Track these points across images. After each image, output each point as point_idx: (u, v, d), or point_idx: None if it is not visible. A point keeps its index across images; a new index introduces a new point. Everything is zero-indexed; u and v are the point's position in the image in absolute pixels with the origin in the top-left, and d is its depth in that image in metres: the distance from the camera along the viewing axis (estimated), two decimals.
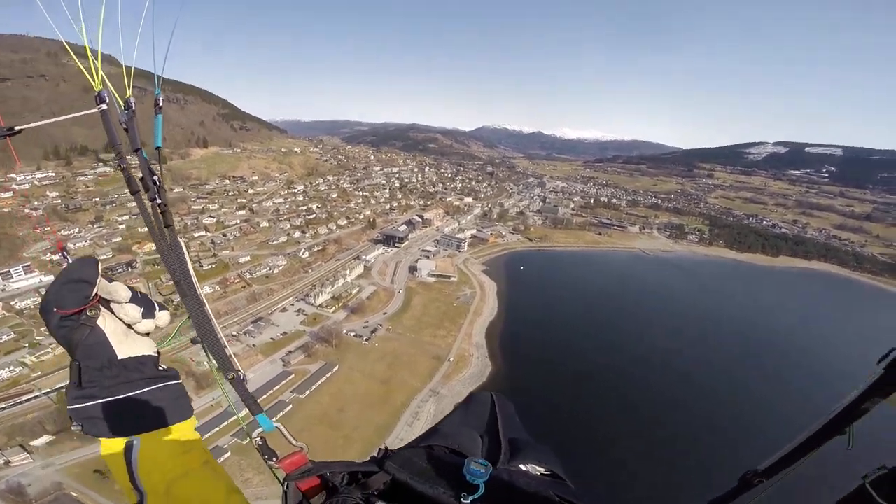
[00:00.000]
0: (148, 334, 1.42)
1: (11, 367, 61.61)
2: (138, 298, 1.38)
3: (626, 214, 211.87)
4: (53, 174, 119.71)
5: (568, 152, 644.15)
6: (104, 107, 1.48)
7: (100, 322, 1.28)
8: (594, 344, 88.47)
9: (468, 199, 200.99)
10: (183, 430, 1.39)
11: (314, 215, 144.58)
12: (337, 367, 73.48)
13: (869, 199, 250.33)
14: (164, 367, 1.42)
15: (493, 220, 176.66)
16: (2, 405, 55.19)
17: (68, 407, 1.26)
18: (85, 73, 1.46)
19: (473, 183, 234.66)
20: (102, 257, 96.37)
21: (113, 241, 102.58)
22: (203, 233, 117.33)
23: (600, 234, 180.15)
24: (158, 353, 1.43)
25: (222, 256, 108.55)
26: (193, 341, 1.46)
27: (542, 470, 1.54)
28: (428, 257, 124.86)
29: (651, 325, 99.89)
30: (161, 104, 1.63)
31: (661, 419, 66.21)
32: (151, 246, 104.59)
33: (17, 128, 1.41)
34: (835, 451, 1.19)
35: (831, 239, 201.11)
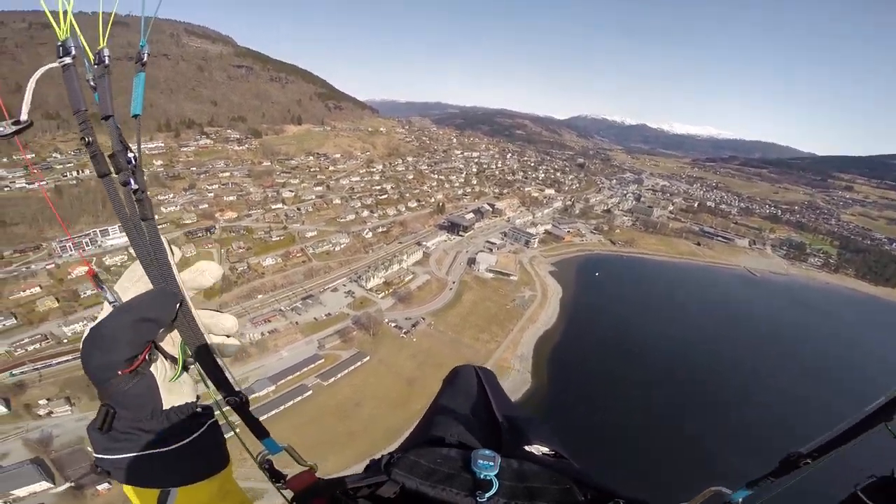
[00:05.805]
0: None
1: (85, 322, 67.63)
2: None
3: (734, 224, 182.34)
4: (162, 144, 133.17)
5: (675, 148, 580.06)
6: (67, 60, 1.04)
7: (153, 368, 1.09)
8: (672, 385, 73.32)
9: (549, 191, 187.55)
10: (222, 478, 1.25)
11: (386, 196, 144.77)
12: (368, 357, 71.66)
13: None
14: (201, 407, 1.20)
15: (574, 217, 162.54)
16: (69, 357, 61.07)
17: (94, 455, 1.08)
18: (49, 17, 1.03)
19: (559, 174, 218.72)
20: (187, 221, 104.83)
21: (200, 207, 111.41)
22: (280, 205, 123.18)
23: (699, 244, 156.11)
24: (198, 396, 1.22)
25: (292, 229, 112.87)
26: (186, 365, 1.20)
27: (546, 450, 1.44)
28: (491, 250, 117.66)
29: (768, 387, 76.97)
30: (145, 59, 1.14)
31: None
32: (232, 214, 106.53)
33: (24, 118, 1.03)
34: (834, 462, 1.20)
35: None
